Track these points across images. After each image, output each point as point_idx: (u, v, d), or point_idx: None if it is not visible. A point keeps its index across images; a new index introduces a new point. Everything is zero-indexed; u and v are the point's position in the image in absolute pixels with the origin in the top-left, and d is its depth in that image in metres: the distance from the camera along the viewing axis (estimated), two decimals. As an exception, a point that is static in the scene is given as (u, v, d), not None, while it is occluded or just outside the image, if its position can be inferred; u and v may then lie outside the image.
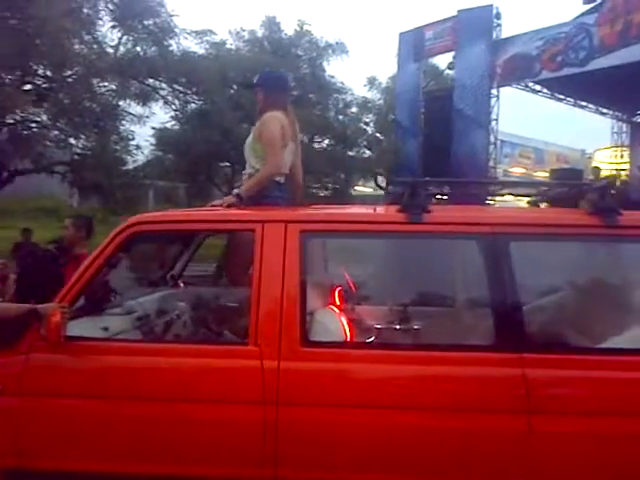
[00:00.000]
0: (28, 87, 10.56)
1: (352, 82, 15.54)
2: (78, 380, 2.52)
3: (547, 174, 19.77)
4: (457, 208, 3.22)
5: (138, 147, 11.91)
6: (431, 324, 3.22)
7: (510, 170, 28.73)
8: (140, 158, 13.27)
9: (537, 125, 42.79)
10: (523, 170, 29.64)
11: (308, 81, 14.48)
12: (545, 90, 17.52)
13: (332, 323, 2.80)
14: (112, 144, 11.33)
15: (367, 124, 15.28)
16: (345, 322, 2.81)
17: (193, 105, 13.79)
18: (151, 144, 14.46)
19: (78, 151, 11.02)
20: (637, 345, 2.58)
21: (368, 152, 15.32)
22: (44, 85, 10.66)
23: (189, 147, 12.40)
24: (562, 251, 2.82)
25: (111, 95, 11.16)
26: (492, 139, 16.45)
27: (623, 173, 18.51)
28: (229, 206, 3.08)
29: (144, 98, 11.73)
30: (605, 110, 19.90)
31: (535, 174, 28.24)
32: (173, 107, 13.68)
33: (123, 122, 11.64)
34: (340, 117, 14.55)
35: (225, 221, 2.92)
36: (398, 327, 3.18)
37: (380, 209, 3.04)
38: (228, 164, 14.98)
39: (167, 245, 4.02)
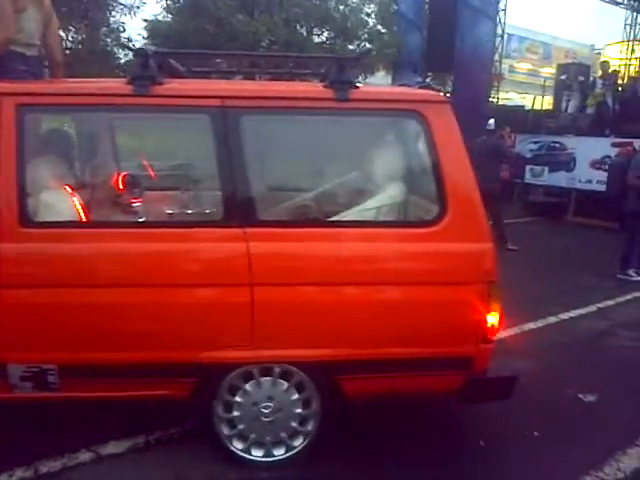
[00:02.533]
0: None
1: (354, -32, 14.56)
2: None
3: (554, 70, 19.13)
4: (193, 81, 3.09)
5: (130, 40, 11.38)
6: (161, 200, 3.19)
7: (516, 65, 27.81)
8: (133, 52, 12.71)
9: (546, 19, 40.86)
10: (529, 66, 28.68)
11: (307, -33, 13.60)
12: (558, -23, 16.56)
13: (60, 203, 2.68)
14: (102, 36, 10.83)
15: (369, 15, 14.47)
16: (77, 202, 2.71)
17: (185, -6, 13.02)
18: (143, 37, 13.82)
19: (69, 45, 10.53)
20: (360, 217, 2.70)
21: (369, 46, 14.67)
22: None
23: (182, 39, 11.84)
24: (292, 124, 2.78)
25: (99, -17, 10.51)
26: (499, 31, 15.75)
27: (632, 68, 17.92)
28: None
29: (134, -14, 11.06)
30: (620, -1, 18.97)
31: (542, 70, 27.33)
32: (165, -4, 12.92)
33: (113, 13, 11.06)
34: (340, 7, 13.75)
35: None
36: (129, 205, 3.12)
37: (112, 82, 2.87)
38: (224, 58, 14.39)
39: None
